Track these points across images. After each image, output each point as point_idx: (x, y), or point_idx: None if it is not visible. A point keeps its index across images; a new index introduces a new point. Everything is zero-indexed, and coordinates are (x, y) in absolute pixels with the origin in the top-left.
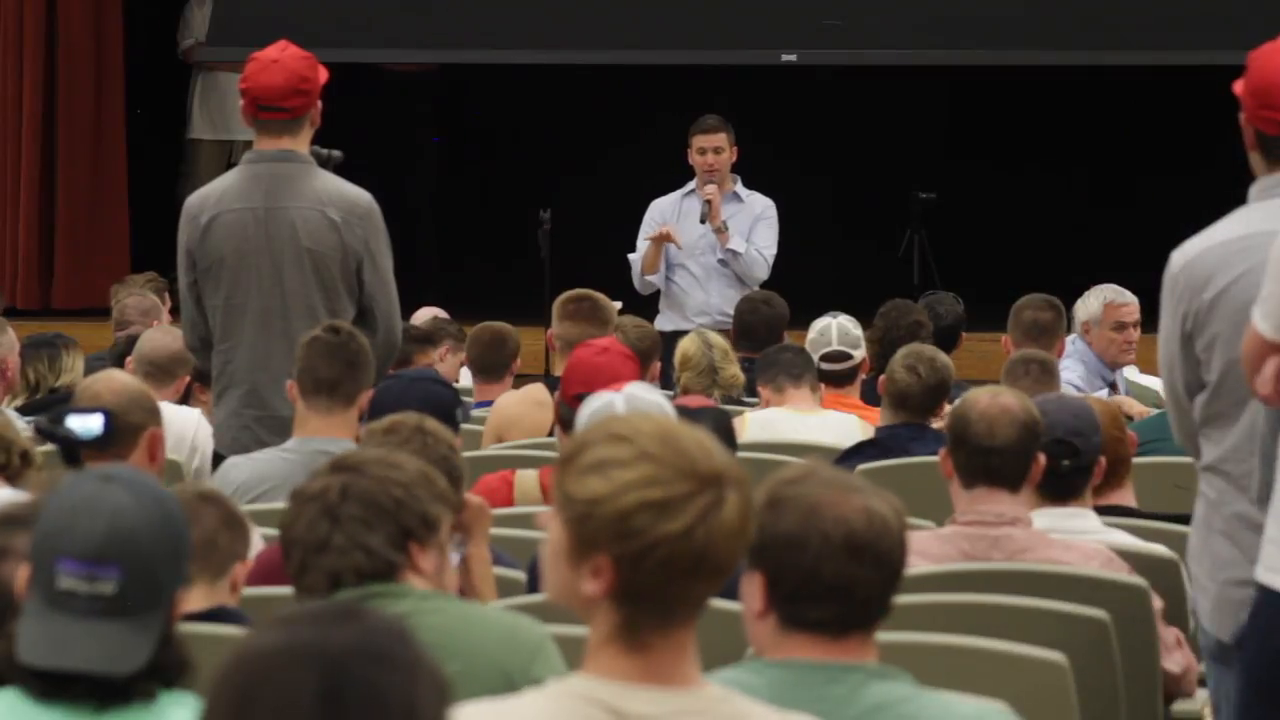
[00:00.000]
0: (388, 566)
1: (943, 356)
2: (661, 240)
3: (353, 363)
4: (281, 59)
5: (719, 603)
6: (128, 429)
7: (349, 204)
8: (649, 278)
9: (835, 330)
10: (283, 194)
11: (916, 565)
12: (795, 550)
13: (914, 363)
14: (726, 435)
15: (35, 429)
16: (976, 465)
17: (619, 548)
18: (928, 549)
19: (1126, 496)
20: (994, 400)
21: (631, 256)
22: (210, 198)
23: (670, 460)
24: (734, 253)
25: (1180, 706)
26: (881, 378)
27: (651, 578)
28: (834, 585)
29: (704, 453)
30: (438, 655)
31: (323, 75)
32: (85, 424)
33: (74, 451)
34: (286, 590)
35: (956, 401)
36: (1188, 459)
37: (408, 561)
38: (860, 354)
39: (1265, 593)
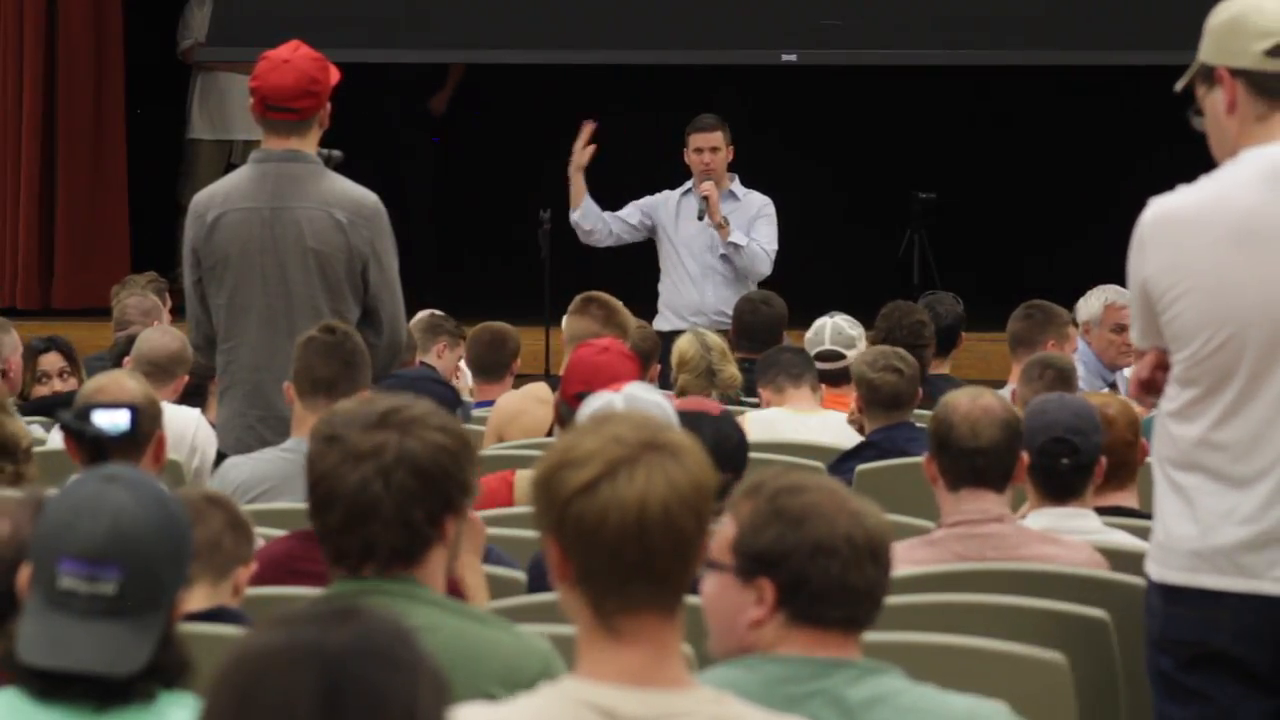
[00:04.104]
0: (423, 544)
1: (902, 350)
2: (583, 158)
3: (350, 361)
4: (293, 59)
5: None
6: (139, 436)
7: (355, 205)
8: (574, 215)
9: (829, 330)
10: (289, 194)
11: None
12: (826, 556)
13: (888, 363)
14: (729, 441)
15: (61, 426)
16: (962, 467)
17: (555, 517)
18: (921, 558)
19: (1130, 498)
20: (975, 402)
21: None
22: (216, 196)
23: (594, 431)
24: (736, 246)
25: None
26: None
27: (593, 543)
28: (858, 587)
29: (634, 428)
30: None
31: (334, 77)
32: (113, 420)
33: (102, 449)
34: (286, 590)
35: (936, 406)
36: None
37: (438, 535)
38: (854, 354)
39: (1147, 581)
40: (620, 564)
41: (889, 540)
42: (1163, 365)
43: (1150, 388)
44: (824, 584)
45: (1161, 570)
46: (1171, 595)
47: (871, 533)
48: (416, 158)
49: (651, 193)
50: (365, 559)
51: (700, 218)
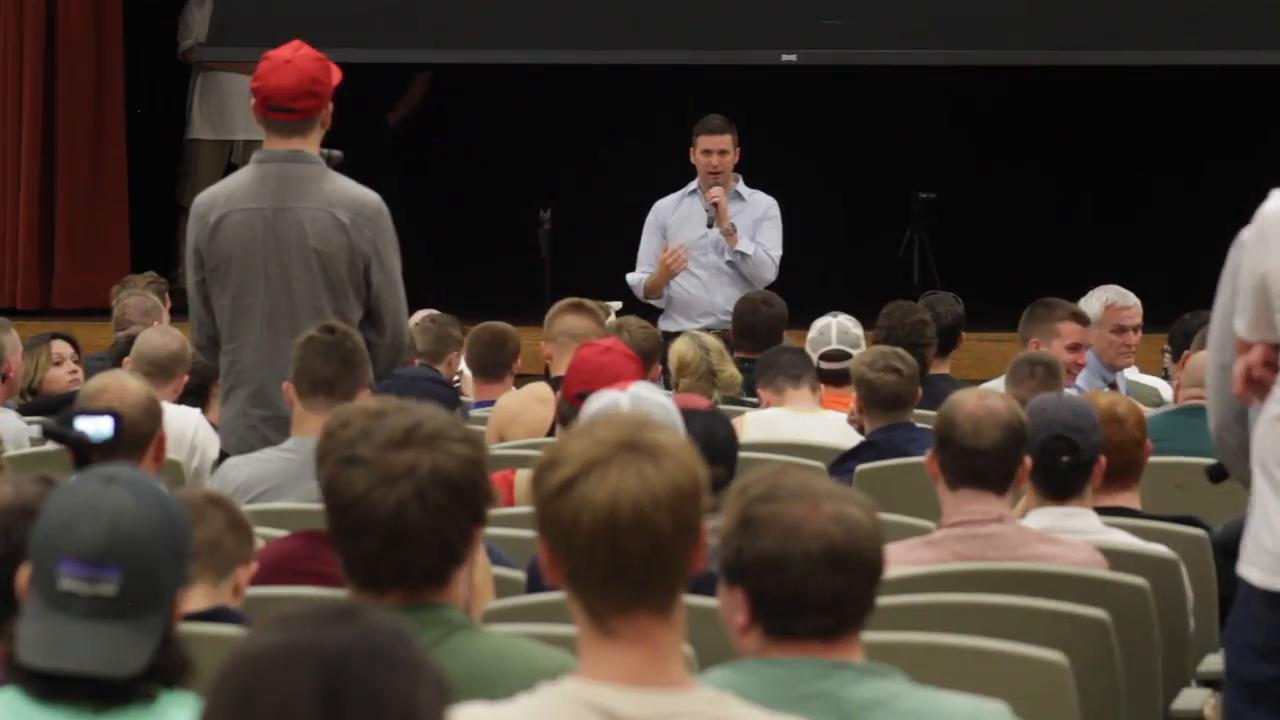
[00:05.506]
0: (455, 563)
1: (902, 350)
2: (672, 265)
3: (349, 360)
4: (295, 60)
5: (710, 602)
6: (140, 436)
7: (357, 205)
8: (652, 301)
9: (835, 329)
10: (291, 194)
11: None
12: (778, 570)
13: (887, 363)
14: (717, 437)
15: (44, 431)
16: (962, 467)
17: (540, 517)
18: (920, 558)
19: (1133, 499)
20: (980, 402)
21: (630, 278)
22: (219, 197)
23: (584, 432)
24: (742, 254)
25: (1180, 706)
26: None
27: (571, 543)
28: (820, 599)
29: (617, 428)
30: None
31: (335, 77)
32: (96, 426)
33: (85, 454)
34: (287, 590)
35: (944, 403)
36: (1189, 459)
37: (468, 551)
38: (859, 353)
39: (1244, 586)
40: (596, 565)
41: (864, 545)
42: (1272, 363)
43: (1258, 384)
44: (780, 597)
45: (1268, 578)
46: None
47: (834, 542)
48: (416, 157)
49: (648, 193)
50: (398, 583)
51: (710, 225)
